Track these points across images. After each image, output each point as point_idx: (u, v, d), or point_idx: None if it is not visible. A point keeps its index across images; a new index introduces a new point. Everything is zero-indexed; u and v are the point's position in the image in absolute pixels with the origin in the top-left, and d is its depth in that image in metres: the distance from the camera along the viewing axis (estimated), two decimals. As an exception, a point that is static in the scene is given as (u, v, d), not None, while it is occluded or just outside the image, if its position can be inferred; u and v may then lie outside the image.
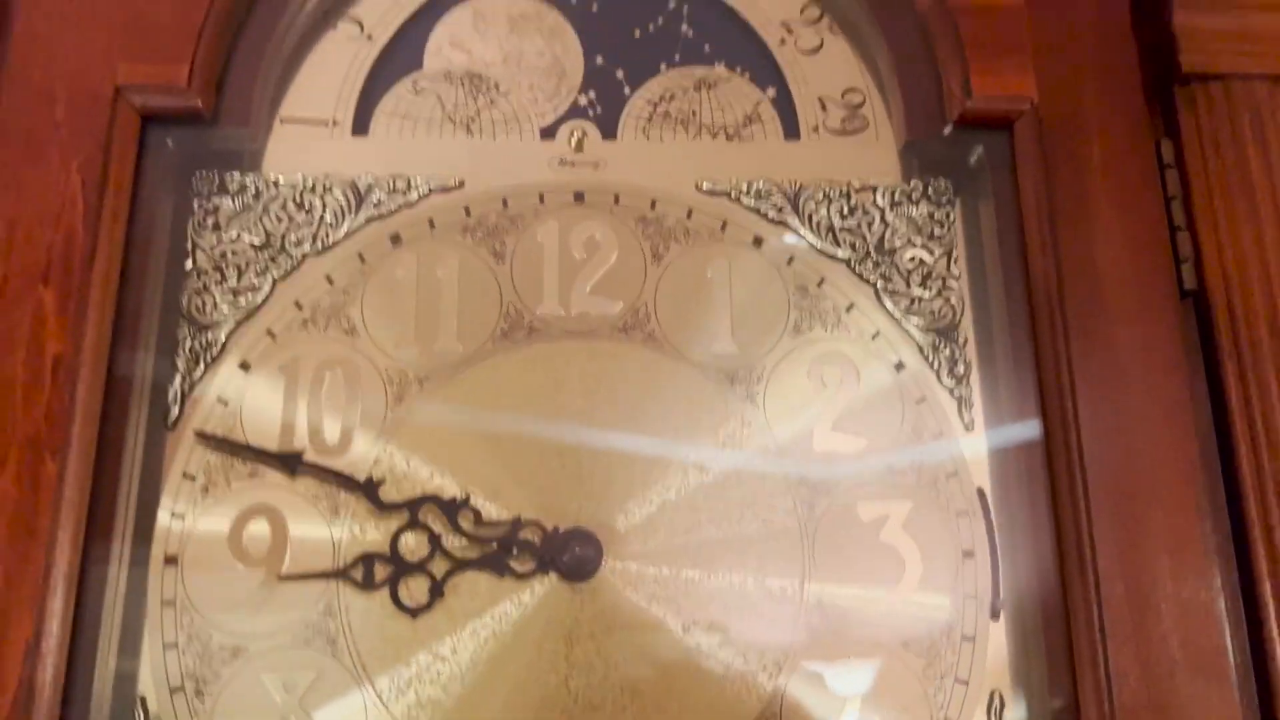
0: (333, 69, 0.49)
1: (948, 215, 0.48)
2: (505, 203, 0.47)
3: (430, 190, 0.47)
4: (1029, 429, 0.43)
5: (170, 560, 0.42)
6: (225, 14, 0.45)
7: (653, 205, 0.48)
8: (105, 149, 0.43)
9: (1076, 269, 0.44)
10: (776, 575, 0.43)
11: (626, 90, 0.50)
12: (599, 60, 0.50)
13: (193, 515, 0.43)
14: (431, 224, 0.47)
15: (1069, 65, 0.46)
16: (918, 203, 0.48)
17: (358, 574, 0.42)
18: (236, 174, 0.47)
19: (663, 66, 0.50)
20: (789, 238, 0.47)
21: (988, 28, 0.46)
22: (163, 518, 0.42)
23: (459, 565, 0.42)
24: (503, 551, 0.43)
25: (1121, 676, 0.39)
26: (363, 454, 0.44)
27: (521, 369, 0.45)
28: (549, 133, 0.49)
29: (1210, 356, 0.44)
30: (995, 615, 0.43)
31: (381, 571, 0.42)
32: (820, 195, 0.48)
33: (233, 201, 0.46)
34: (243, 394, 0.44)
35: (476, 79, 0.50)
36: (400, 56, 0.50)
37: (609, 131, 0.49)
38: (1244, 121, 0.46)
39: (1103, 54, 0.47)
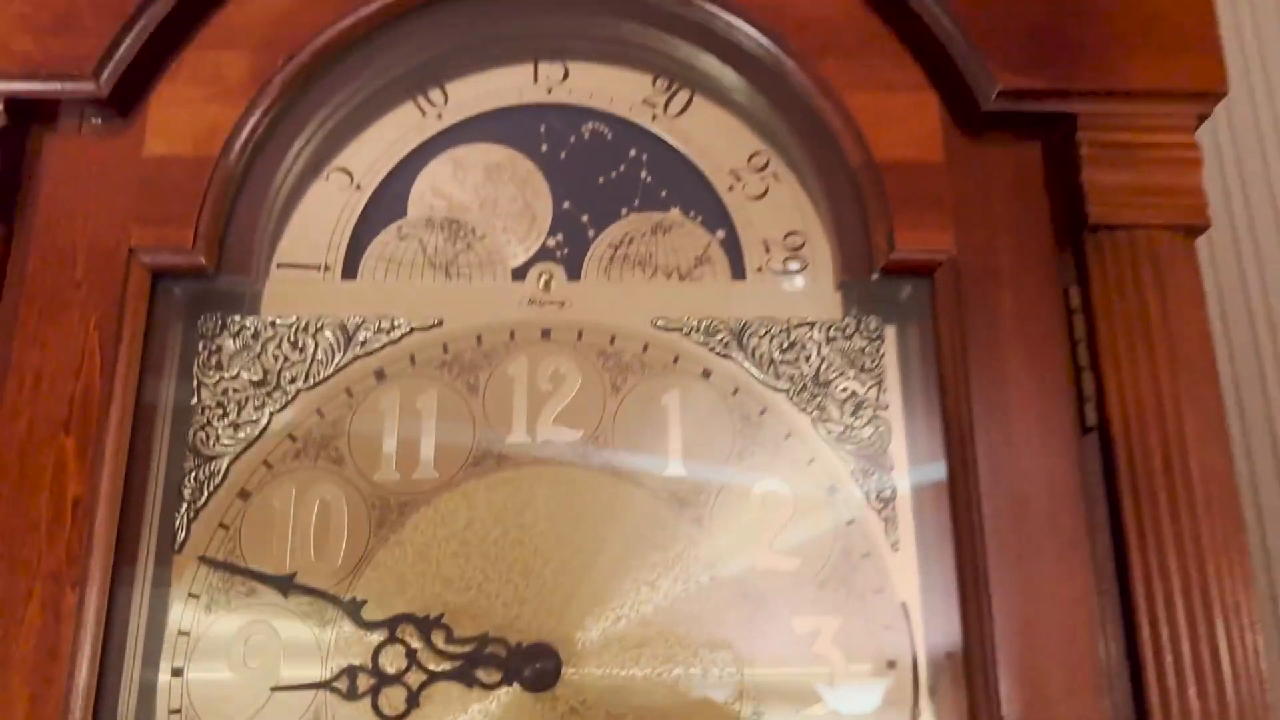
0: (325, 217, 0.54)
1: (878, 349, 0.53)
2: (479, 339, 0.52)
3: (412, 329, 0.52)
4: (944, 553, 0.48)
5: (177, 673, 0.47)
6: (225, 179, 0.50)
7: (612, 340, 0.53)
8: (120, 304, 0.48)
9: (988, 407, 0.49)
10: (717, 685, 0.48)
11: (591, 233, 0.55)
12: (566, 205, 0.55)
13: (197, 631, 0.48)
14: (412, 360, 0.52)
15: (985, 219, 0.51)
16: (851, 337, 0.53)
17: (342, 685, 0.47)
18: (238, 316, 0.52)
19: (624, 211, 0.55)
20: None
21: (911, 185, 0.51)
22: (170, 635, 0.47)
23: (432, 677, 0.47)
24: (471, 665, 0.47)
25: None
26: (345, 574, 0.48)
27: (490, 494, 0.50)
28: (520, 274, 0.54)
29: (1110, 488, 0.48)
30: (914, 714, 0.48)
31: (364, 682, 0.47)
32: (762, 331, 0.53)
33: (234, 342, 0.51)
34: (241, 520, 0.49)
35: (455, 225, 0.55)
36: (386, 204, 0.55)
37: (574, 273, 0.54)
38: (1145, 268, 0.50)
39: (1017, 208, 0.51)
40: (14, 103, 0.50)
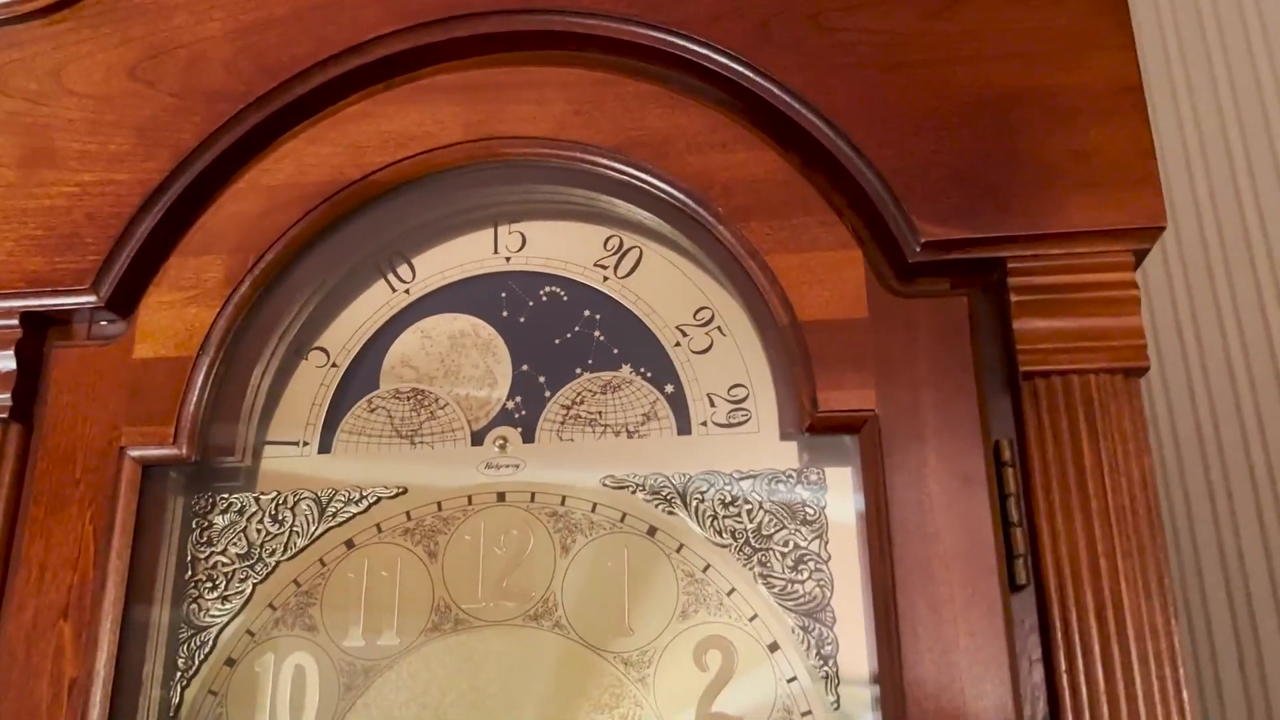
0: (304, 395, 0.57)
1: (820, 500, 0.52)
2: (439, 506, 0.54)
3: (379, 498, 0.54)
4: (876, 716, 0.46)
5: (169, 833, 0.50)
6: (203, 375, 0.53)
7: (563, 501, 0.53)
8: (112, 498, 0.52)
9: (913, 567, 0.47)
10: None
11: (547, 394, 0.56)
12: (524, 367, 0.57)
13: (187, 792, 0.51)
14: (379, 528, 0.54)
15: (909, 374, 0.50)
16: (793, 489, 0.52)
17: (313, 844, 0.49)
18: (227, 494, 0.55)
19: (578, 370, 0.56)
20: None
21: (833, 343, 0.50)
22: (161, 798, 0.51)
23: (392, 838, 0.49)
24: (426, 827, 0.49)
25: None
26: (319, 737, 0.51)
27: (447, 656, 0.51)
28: (478, 439, 0.56)
29: (1045, 647, 0.46)
30: None
31: (331, 843, 0.49)
32: (705, 486, 0.52)
33: (223, 519, 0.55)
34: (228, 686, 0.52)
35: (420, 394, 0.57)
36: (359, 379, 0.57)
37: (529, 435, 0.55)
38: (1082, 416, 0.48)
39: (943, 361, 0.50)
40: (29, 315, 0.55)
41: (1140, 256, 0.50)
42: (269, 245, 0.55)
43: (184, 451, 0.53)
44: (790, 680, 0.49)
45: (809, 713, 0.49)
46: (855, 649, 0.49)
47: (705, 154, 0.54)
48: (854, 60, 0.53)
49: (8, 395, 0.54)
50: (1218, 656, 0.76)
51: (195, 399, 0.53)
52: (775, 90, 0.54)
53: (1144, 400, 0.49)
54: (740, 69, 0.54)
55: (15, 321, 0.55)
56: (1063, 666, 0.45)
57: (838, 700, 0.49)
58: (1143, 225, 0.50)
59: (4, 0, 0.60)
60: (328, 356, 0.58)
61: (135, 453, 0.53)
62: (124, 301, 0.55)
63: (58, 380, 0.54)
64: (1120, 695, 0.44)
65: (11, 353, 0.55)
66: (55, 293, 0.55)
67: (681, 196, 0.54)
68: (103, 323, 0.56)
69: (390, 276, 0.59)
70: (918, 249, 0.50)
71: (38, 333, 0.56)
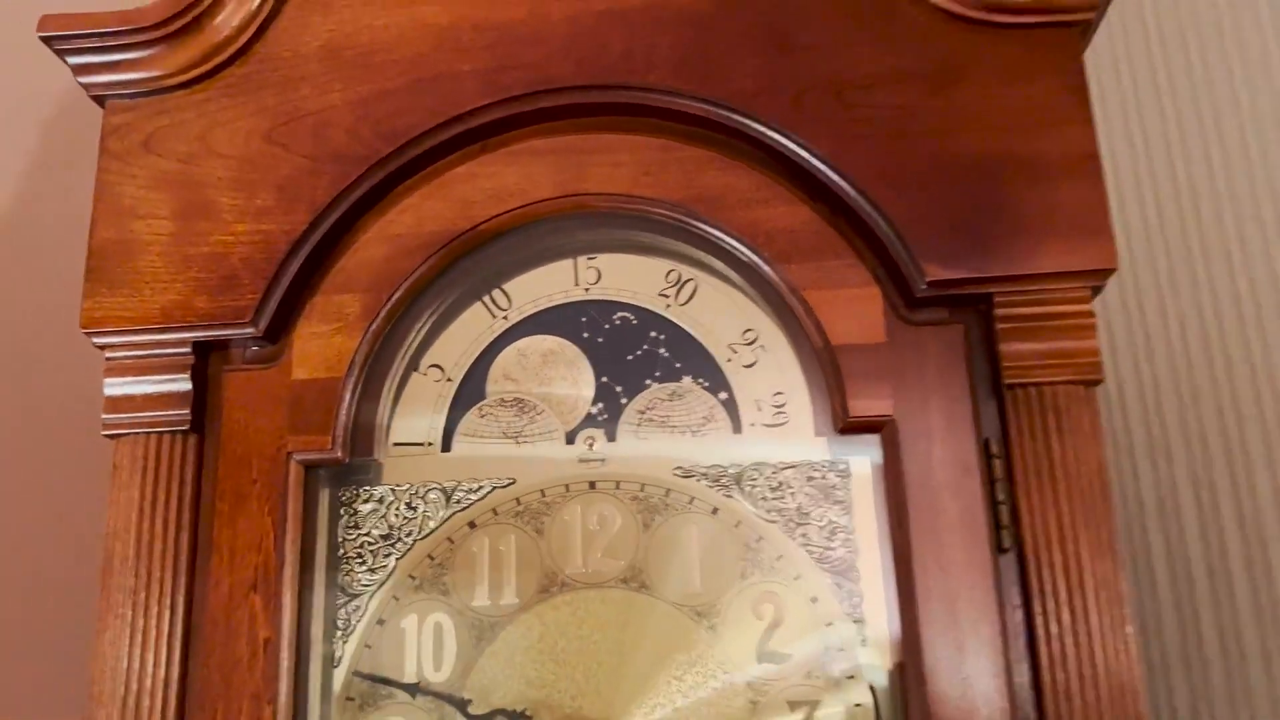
0: (425, 404, 0.69)
1: (847, 485, 0.64)
2: (543, 493, 0.66)
3: (493, 488, 0.66)
4: (894, 651, 0.60)
5: (342, 755, 0.63)
6: (351, 394, 0.65)
7: (642, 488, 0.66)
8: (283, 494, 0.63)
9: (923, 535, 0.60)
10: (729, 755, 0.61)
11: (623, 401, 0.68)
12: (604, 379, 0.69)
13: (354, 724, 0.63)
14: (495, 512, 0.66)
15: (919, 386, 0.62)
16: (825, 476, 0.65)
17: (458, 760, 0.62)
18: (368, 487, 0.67)
19: (647, 382, 0.68)
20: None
21: (859, 362, 0.62)
22: (336, 729, 0.63)
23: (521, 754, 0.62)
24: (549, 744, 0.61)
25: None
26: (457, 679, 0.63)
27: (556, 614, 0.64)
28: (570, 438, 0.68)
29: (1025, 596, 0.59)
30: (881, 777, 0.60)
31: (473, 759, 0.62)
32: (756, 475, 0.65)
33: (366, 506, 0.66)
34: (380, 641, 0.64)
35: (521, 403, 0.68)
36: (469, 390, 0.69)
37: (611, 435, 0.67)
38: (1051, 418, 0.61)
39: (945, 375, 0.62)
40: (199, 345, 0.66)
41: (1097, 290, 0.63)
42: (397, 285, 0.66)
43: (339, 454, 0.64)
44: (828, 625, 0.63)
45: (843, 650, 0.62)
46: (877, 600, 0.62)
47: (752, 208, 0.66)
48: (870, 130, 0.65)
49: (187, 411, 0.65)
50: (1160, 601, 0.93)
51: (345, 411, 0.65)
52: (807, 155, 0.65)
53: (1100, 404, 0.62)
54: (778, 137, 0.66)
55: (189, 350, 0.66)
56: (1037, 609, 0.58)
57: (865, 638, 0.62)
58: (1099, 267, 0.62)
59: (150, 75, 0.70)
60: (443, 372, 0.69)
61: (300, 457, 0.64)
62: (275, 331, 0.66)
63: (229, 399, 0.65)
64: (1080, 630, 0.58)
65: (188, 376, 0.65)
66: (222, 326, 0.66)
67: (733, 242, 0.66)
68: (254, 348, 0.67)
69: (490, 304, 0.70)
70: (924, 286, 0.63)
71: (202, 358, 0.67)
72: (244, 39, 0.70)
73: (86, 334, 0.66)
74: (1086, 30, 0.67)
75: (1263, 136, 1.06)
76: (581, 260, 0.71)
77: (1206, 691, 0.93)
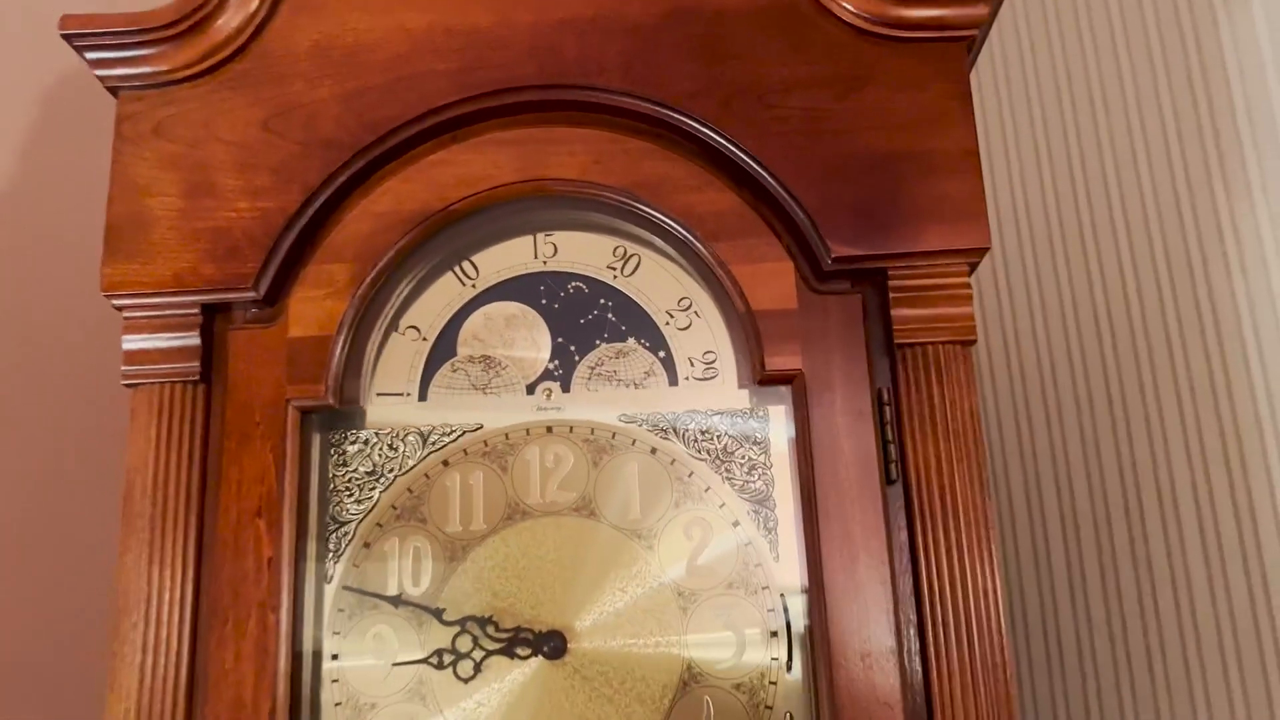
0: (404, 360, 0.78)
1: (765, 428, 0.75)
2: (506, 436, 0.76)
3: (463, 432, 0.76)
4: (803, 571, 0.71)
5: (334, 657, 0.73)
6: (340, 349, 0.74)
7: (592, 431, 0.76)
8: (283, 434, 0.73)
9: (826, 470, 0.71)
10: (666, 649, 0.72)
11: (576, 359, 0.78)
12: (559, 340, 0.79)
13: (344, 631, 0.73)
14: (465, 452, 0.76)
15: (824, 346, 0.73)
16: (746, 421, 0.76)
17: (434, 660, 0.72)
18: (354, 430, 0.76)
19: (597, 342, 0.78)
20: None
21: (775, 325, 0.73)
22: (328, 635, 0.73)
23: (488, 654, 0.72)
24: (511, 645, 0.72)
25: None
26: (433, 592, 0.73)
27: (519, 537, 0.74)
28: (530, 390, 0.78)
29: (909, 519, 0.71)
30: (789, 669, 0.71)
31: (447, 659, 0.72)
32: (689, 421, 0.76)
33: (352, 448, 0.76)
34: (366, 561, 0.74)
35: (487, 359, 0.78)
36: (443, 348, 0.79)
37: (566, 387, 0.78)
38: (934, 372, 0.72)
39: (846, 336, 0.73)
40: (206, 306, 0.75)
41: (973, 266, 0.74)
42: (379, 256, 0.75)
43: (330, 401, 0.74)
44: (746, 544, 0.74)
45: (759, 564, 0.73)
46: (788, 523, 0.74)
47: (687, 194, 0.76)
48: (788, 129, 0.76)
49: (196, 363, 0.74)
50: (1015, 525, 1.06)
51: (335, 364, 0.74)
52: (734, 149, 0.76)
53: (974, 361, 0.73)
54: (709, 133, 0.76)
55: (197, 311, 0.75)
56: (919, 530, 0.70)
57: (778, 555, 0.73)
58: (975, 246, 0.73)
59: (159, 69, 0.78)
60: (419, 332, 0.79)
61: (296, 403, 0.73)
62: (273, 295, 0.75)
63: (234, 353, 0.74)
64: (954, 548, 0.69)
65: (197, 333, 0.74)
66: (226, 290, 0.75)
67: (670, 223, 0.76)
68: (255, 310, 0.76)
69: (460, 274, 0.80)
70: (829, 262, 0.73)
71: (209, 318, 0.76)
72: (243, 39, 0.79)
73: (106, 296, 0.75)
74: (972, 45, 0.78)
75: (1114, 139, 1.19)
76: (540, 236, 0.81)
77: (1053, 599, 1.07)
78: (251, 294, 0.74)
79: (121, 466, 0.73)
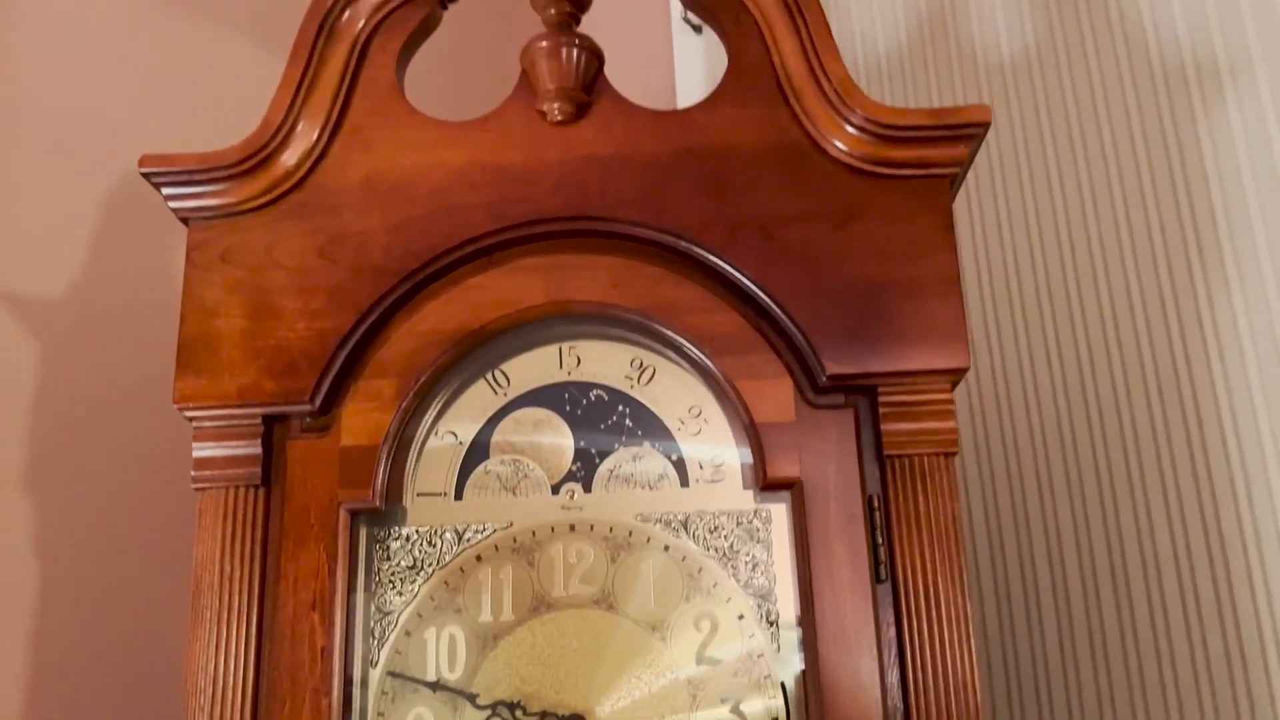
0: (442, 462, 0.86)
1: (768, 529, 0.82)
2: (534, 533, 0.84)
3: (495, 529, 0.84)
4: (801, 661, 0.78)
5: (379, 736, 0.80)
6: (386, 457, 0.82)
7: (610, 530, 0.83)
8: (334, 534, 0.80)
9: (821, 569, 0.78)
10: (674, 718, 0.78)
11: (597, 461, 0.85)
12: (582, 443, 0.86)
13: (388, 713, 0.80)
14: (496, 548, 0.83)
15: (820, 455, 0.80)
16: (751, 522, 0.83)
17: (468, 740, 0.79)
18: (398, 527, 0.84)
19: (616, 446, 0.86)
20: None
21: (776, 436, 0.80)
22: (373, 715, 0.80)
23: (517, 735, 0.79)
24: (537, 728, 0.79)
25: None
26: (467, 677, 0.80)
27: (544, 628, 0.81)
28: (555, 490, 0.85)
29: (896, 614, 0.77)
30: (789, 751, 0.78)
31: (480, 738, 0.79)
32: (699, 520, 0.83)
33: (396, 543, 0.84)
34: (407, 647, 0.81)
35: (517, 461, 0.86)
36: (477, 451, 0.86)
37: (587, 487, 0.85)
38: (919, 481, 0.79)
39: (840, 446, 0.80)
40: (266, 417, 0.83)
41: (955, 383, 0.81)
42: (422, 372, 0.83)
43: (377, 503, 0.81)
44: (750, 636, 0.80)
45: (762, 655, 0.80)
46: (788, 617, 0.80)
47: (697, 315, 0.83)
48: (787, 257, 0.83)
49: (258, 469, 0.82)
50: (985, 620, 1.13)
51: (381, 470, 0.82)
52: (738, 275, 0.83)
53: (958, 470, 0.80)
54: (717, 261, 0.84)
55: (259, 421, 0.83)
56: (905, 625, 0.76)
57: (779, 646, 0.80)
58: (956, 366, 0.80)
59: (226, 202, 0.87)
60: (456, 437, 0.87)
61: (347, 505, 0.81)
62: (327, 407, 0.83)
63: (292, 460, 0.82)
64: (935, 641, 0.76)
65: (258, 442, 0.82)
66: (285, 403, 0.83)
67: (682, 341, 0.83)
68: (310, 421, 0.84)
69: (493, 382, 0.88)
70: (824, 379, 0.80)
71: (269, 428, 0.84)
72: (301, 173, 0.87)
73: (178, 408, 0.83)
74: (955, 181, 0.85)
75: (1102, 235, 1.26)
76: (565, 347, 0.89)
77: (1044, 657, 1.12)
78: (308, 406, 0.82)
79: (190, 562, 0.81)
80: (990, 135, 1.42)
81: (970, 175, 1.44)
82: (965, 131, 0.83)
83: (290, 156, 0.87)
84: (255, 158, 0.86)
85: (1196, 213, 1.21)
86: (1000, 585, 1.28)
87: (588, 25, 0.90)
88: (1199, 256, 1.20)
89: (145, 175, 0.86)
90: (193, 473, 0.82)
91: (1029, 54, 1.41)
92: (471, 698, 0.80)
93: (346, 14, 0.89)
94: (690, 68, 1.68)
